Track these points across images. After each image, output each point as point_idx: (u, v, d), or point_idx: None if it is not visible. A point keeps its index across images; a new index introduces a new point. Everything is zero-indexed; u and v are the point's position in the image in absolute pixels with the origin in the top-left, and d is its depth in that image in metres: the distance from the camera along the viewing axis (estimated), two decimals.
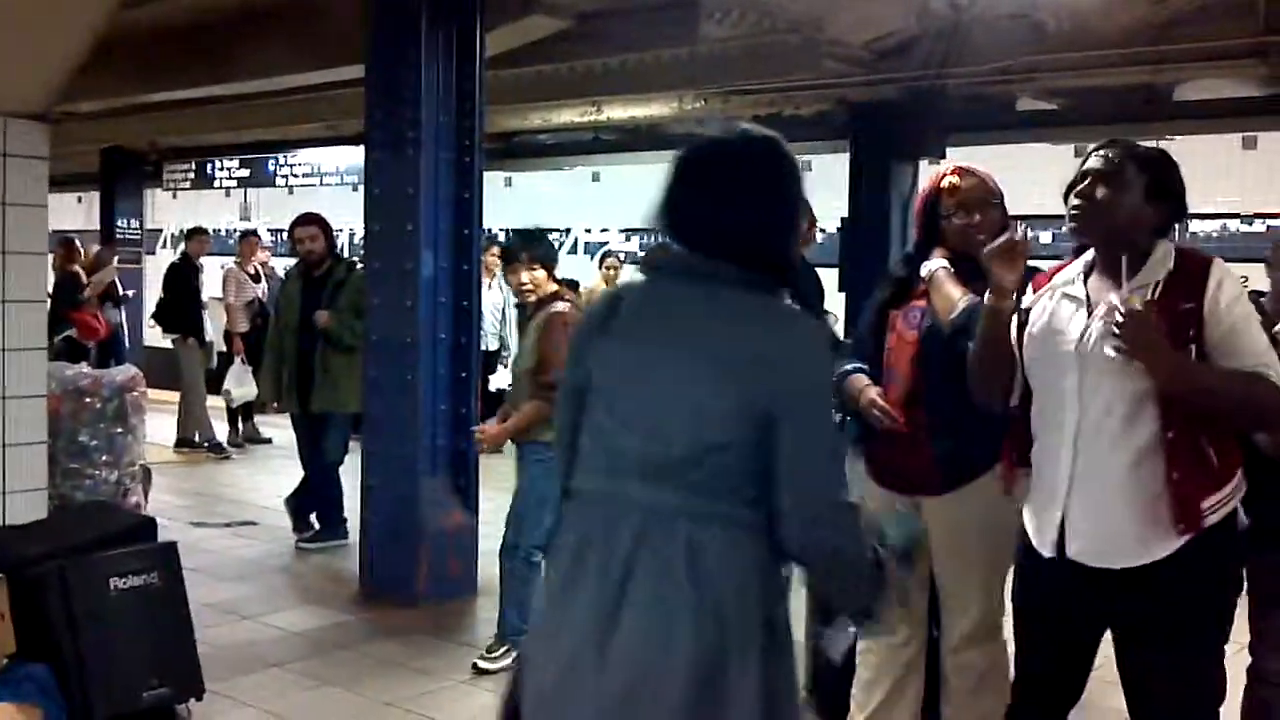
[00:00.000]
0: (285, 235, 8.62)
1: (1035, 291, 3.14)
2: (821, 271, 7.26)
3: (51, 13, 4.64)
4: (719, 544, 2.20)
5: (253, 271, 11.61)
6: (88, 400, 6.76)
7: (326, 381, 7.51)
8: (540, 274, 5.26)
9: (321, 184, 14.53)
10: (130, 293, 13.68)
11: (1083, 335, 2.95)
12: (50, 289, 9.40)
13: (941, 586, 3.76)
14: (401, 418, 6.47)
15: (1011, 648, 3.34)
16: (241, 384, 10.84)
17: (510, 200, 13.18)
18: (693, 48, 8.16)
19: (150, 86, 9.62)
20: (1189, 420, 2.86)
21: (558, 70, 8.97)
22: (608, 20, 7.91)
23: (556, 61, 8.69)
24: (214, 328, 11.63)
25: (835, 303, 8.02)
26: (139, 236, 16.28)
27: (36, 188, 4.92)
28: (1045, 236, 9.61)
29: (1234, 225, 10.63)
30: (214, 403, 11.26)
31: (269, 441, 11.49)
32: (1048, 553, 2.98)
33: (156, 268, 14.85)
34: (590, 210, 14.24)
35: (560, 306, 5.20)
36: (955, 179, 3.74)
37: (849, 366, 3.82)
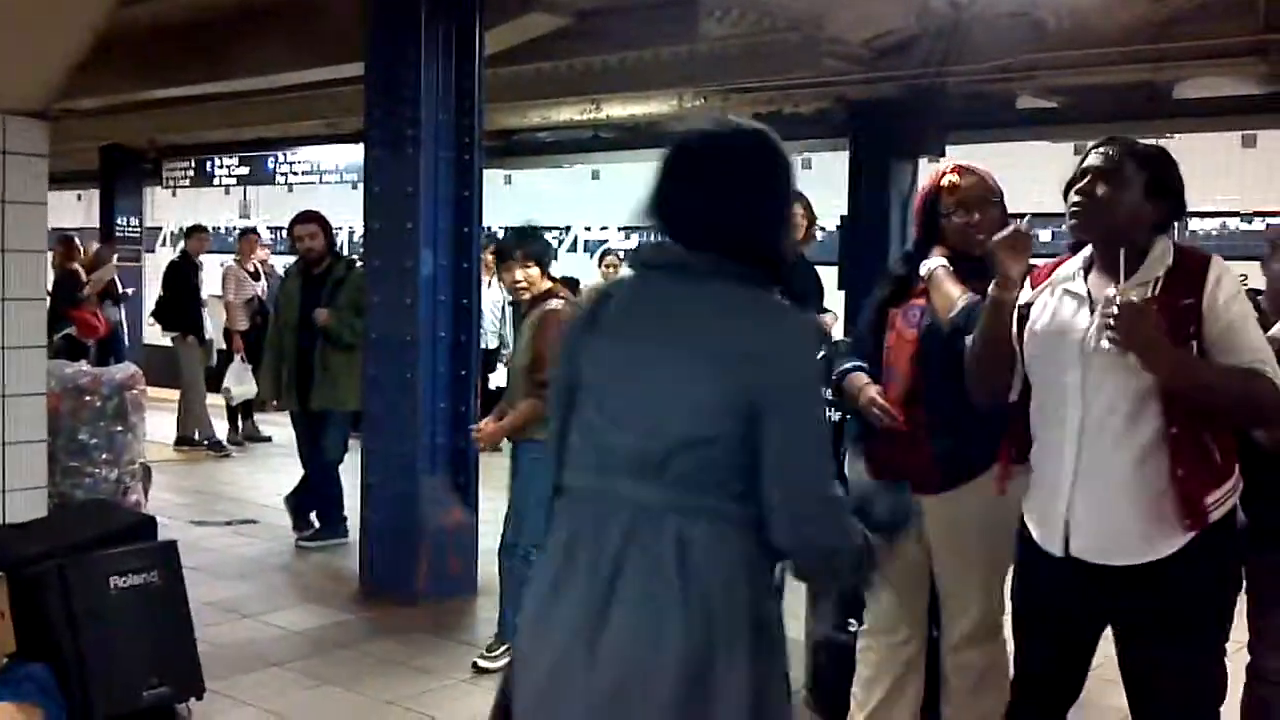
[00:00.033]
0: (285, 233, 8.62)
1: (1034, 287, 3.14)
2: (821, 270, 7.30)
3: (51, 11, 4.63)
4: (707, 539, 2.19)
5: (252, 269, 11.62)
6: (87, 398, 6.76)
7: (326, 379, 7.51)
8: (534, 271, 5.24)
9: (321, 182, 14.53)
10: (130, 290, 13.70)
11: (1085, 332, 2.94)
12: (50, 287, 9.40)
13: (941, 585, 3.76)
14: (401, 416, 6.47)
15: (1011, 646, 3.35)
16: (241, 382, 10.84)
17: (510, 198, 13.17)
18: (692, 45, 8.15)
19: (150, 84, 9.63)
20: (1192, 416, 2.86)
21: (557, 68, 8.96)
22: (607, 18, 7.91)
23: (556, 59, 8.69)
24: (214, 325, 11.64)
25: (835, 301, 8.02)
26: (138, 234, 16.28)
27: (36, 185, 4.92)
28: (1044, 235, 9.61)
29: (1233, 223, 10.63)
30: (214, 401, 11.27)
31: (269, 440, 11.49)
32: (1057, 550, 2.98)
33: (156, 266, 14.84)
34: (590, 208, 14.23)
35: (555, 304, 5.19)
36: (955, 177, 3.74)
37: (848, 365, 3.82)
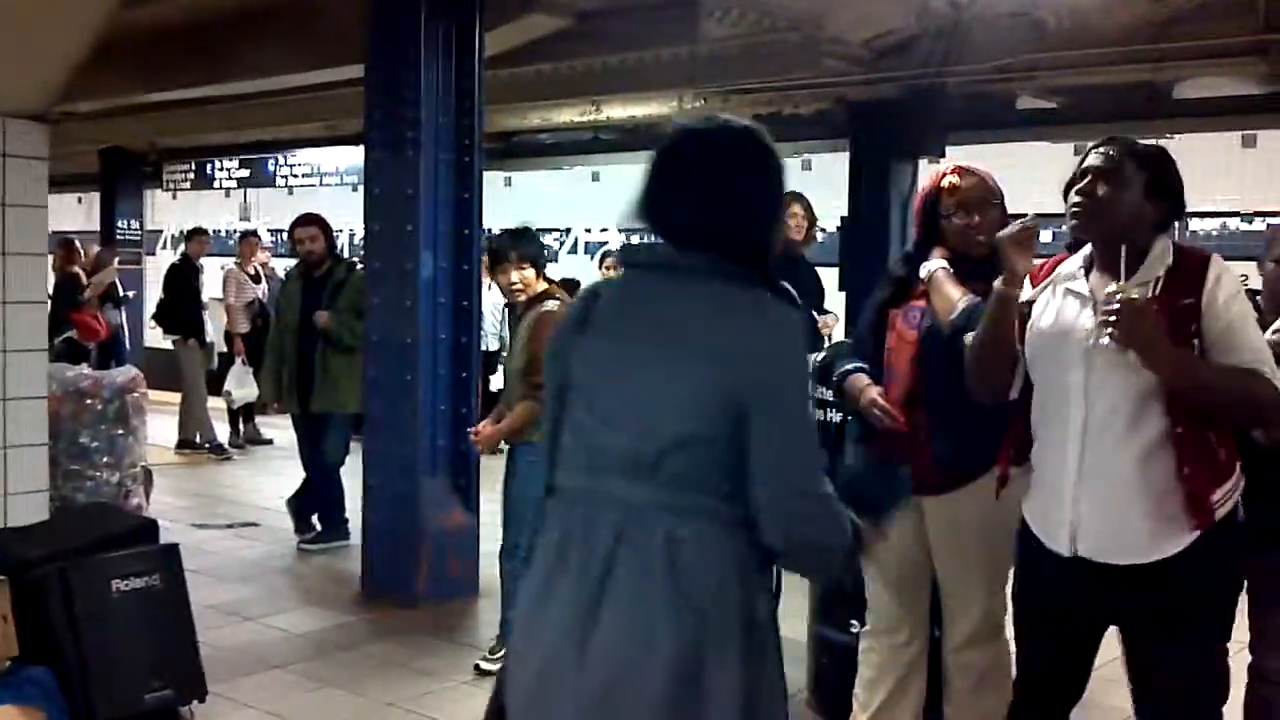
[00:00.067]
0: (285, 236, 8.62)
1: (1034, 285, 3.14)
2: (821, 271, 7.31)
3: (51, 13, 4.63)
4: (698, 539, 2.19)
5: (253, 272, 11.62)
6: (88, 402, 6.77)
7: (327, 382, 7.51)
8: (529, 273, 5.22)
9: (321, 184, 14.52)
10: (130, 294, 13.69)
11: (1089, 332, 2.94)
12: (50, 290, 9.40)
13: (943, 586, 3.76)
14: (402, 418, 6.47)
15: (1013, 646, 3.35)
16: (242, 385, 10.85)
17: (510, 200, 13.17)
18: (692, 46, 8.15)
19: (150, 86, 9.62)
20: (1195, 415, 2.87)
21: (557, 69, 8.96)
22: (607, 19, 7.90)
23: (556, 61, 8.68)
24: (214, 328, 11.64)
25: (835, 302, 8.02)
26: (139, 237, 16.29)
27: (36, 188, 4.93)
28: (1044, 235, 9.61)
29: (1234, 224, 10.62)
30: (215, 404, 11.28)
31: (270, 442, 11.50)
32: (1064, 551, 2.98)
33: (157, 268, 14.85)
34: (590, 210, 14.22)
35: (550, 305, 5.16)
36: (955, 178, 3.74)
37: (849, 366, 3.82)
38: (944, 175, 3.78)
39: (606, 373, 2.31)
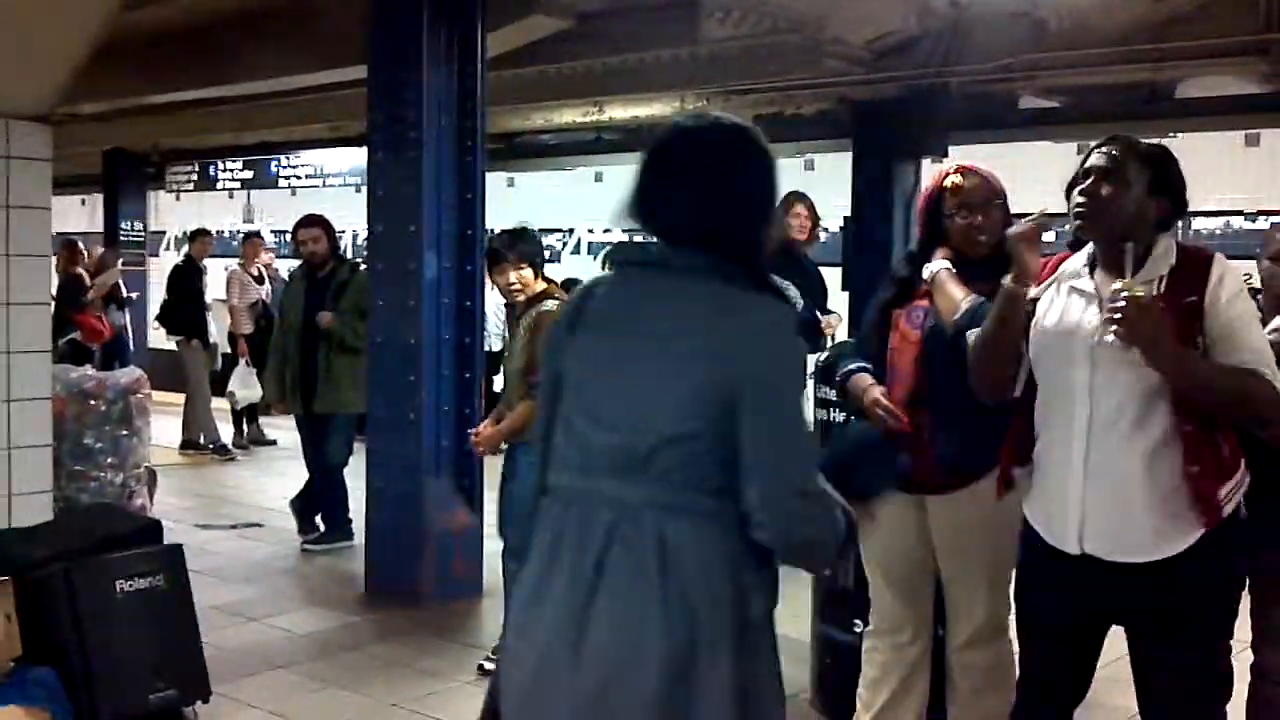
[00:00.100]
0: (288, 237, 8.63)
1: (1039, 284, 3.14)
2: (825, 270, 7.32)
3: (53, 15, 4.64)
4: (689, 537, 2.19)
5: (256, 273, 11.63)
6: (92, 403, 6.78)
7: (330, 383, 7.52)
8: (528, 273, 5.22)
9: (324, 185, 14.54)
10: (134, 295, 13.70)
11: (1095, 330, 2.95)
12: (54, 291, 9.41)
13: (946, 586, 3.76)
14: (405, 418, 6.48)
15: (1016, 647, 3.35)
16: (246, 386, 10.85)
17: (513, 200, 13.19)
18: (694, 47, 8.16)
19: (153, 88, 9.64)
20: (1200, 413, 2.88)
21: (559, 70, 8.97)
22: (609, 20, 7.91)
23: (558, 62, 8.69)
24: (218, 329, 11.66)
25: (839, 301, 8.03)
26: (143, 238, 16.30)
27: (40, 190, 4.93)
28: (1047, 235, 9.61)
29: (1237, 222, 10.63)
30: (219, 404, 11.29)
31: (273, 443, 11.51)
32: (1072, 549, 2.98)
33: (160, 270, 14.87)
34: (593, 210, 14.23)
35: (549, 305, 5.14)
36: (958, 178, 3.73)
37: (852, 366, 3.82)
38: (947, 175, 3.78)
39: (599, 371, 2.31)
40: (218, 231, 14.75)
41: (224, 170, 15.58)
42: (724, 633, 2.18)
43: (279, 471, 10.04)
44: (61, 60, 4.78)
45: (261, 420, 11.67)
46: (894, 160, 9.80)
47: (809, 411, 4.58)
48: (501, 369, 8.99)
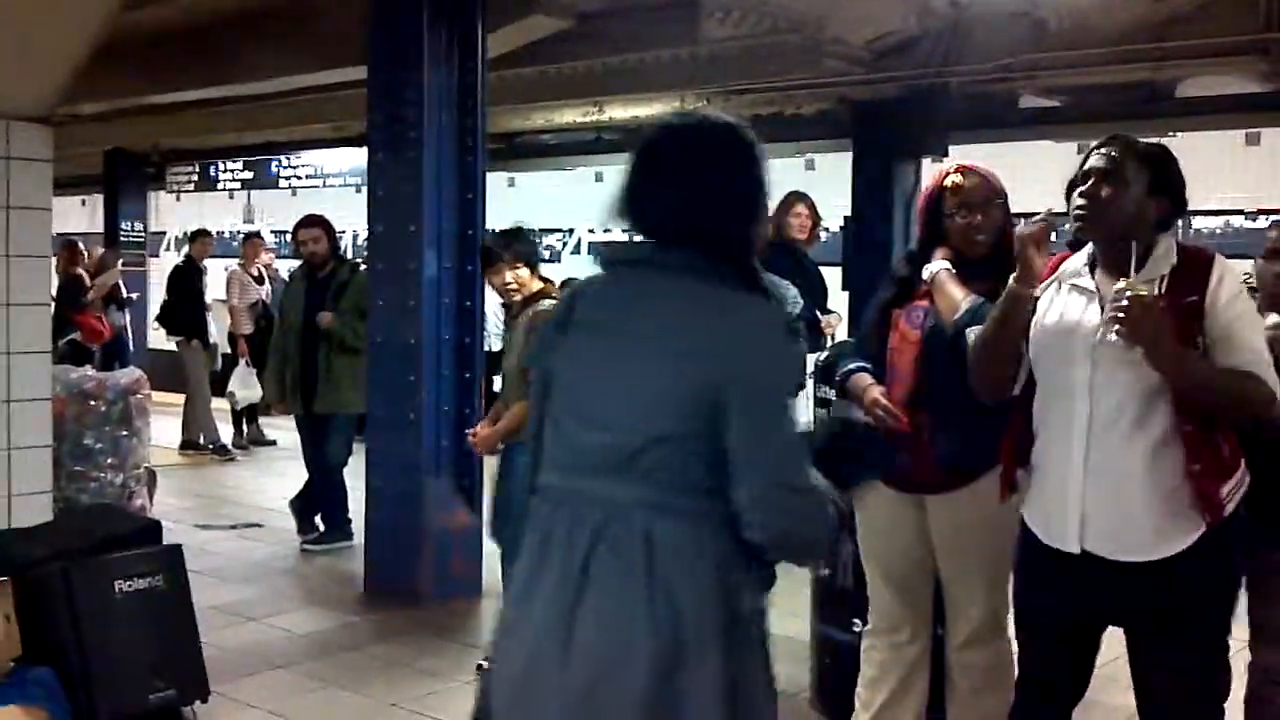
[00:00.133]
0: (289, 237, 8.63)
1: (1039, 284, 3.15)
2: (825, 270, 7.32)
3: (54, 15, 4.64)
4: (677, 537, 2.19)
5: (256, 273, 11.63)
6: (92, 403, 6.79)
7: (330, 383, 7.51)
8: (524, 272, 5.21)
9: (325, 185, 14.54)
10: (134, 295, 13.71)
11: (1095, 328, 2.96)
12: (54, 292, 9.41)
13: (945, 585, 3.76)
14: (405, 418, 6.48)
15: (1014, 645, 3.35)
16: (246, 386, 10.85)
17: (513, 200, 13.18)
18: (694, 47, 8.16)
19: (153, 88, 9.64)
20: (1199, 412, 2.90)
21: (559, 70, 8.97)
22: (609, 20, 7.91)
23: (558, 62, 8.69)
24: (218, 330, 11.65)
25: (839, 301, 8.03)
26: (143, 239, 16.30)
27: (40, 190, 4.93)
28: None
29: (1237, 221, 10.62)
30: (218, 405, 11.29)
31: (273, 443, 11.51)
32: (1073, 548, 2.99)
33: (160, 270, 14.87)
34: (593, 210, 14.23)
35: (546, 304, 5.14)
36: (958, 177, 3.73)
37: (852, 365, 3.82)
38: (947, 174, 3.78)
39: (588, 371, 2.32)
40: (218, 232, 14.76)
41: (224, 171, 15.58)
42: (712, 631, 2.18)
43: (279, 472, 10.04)
44: (62, 61, 4.78)
45: (261, 420, 11.67)
46: (894, 160, 9.80)
47: (809, 411, 4.59)
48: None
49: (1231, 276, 2.96)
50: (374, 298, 6.68)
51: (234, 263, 11.97)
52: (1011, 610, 3.39)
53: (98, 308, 11.92)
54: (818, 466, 2.29)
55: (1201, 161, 8.89)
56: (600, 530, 2.21)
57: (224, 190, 16.11)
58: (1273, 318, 3.41)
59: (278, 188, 15.43)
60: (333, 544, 7.59)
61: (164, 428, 9.77)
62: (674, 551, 2.18)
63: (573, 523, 2.25)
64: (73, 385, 6.72)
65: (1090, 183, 2.99)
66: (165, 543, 4.71)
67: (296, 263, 8.30)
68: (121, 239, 15.62)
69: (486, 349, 7.84)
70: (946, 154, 9.37)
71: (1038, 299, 3.12)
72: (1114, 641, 3.12)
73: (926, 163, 9.67)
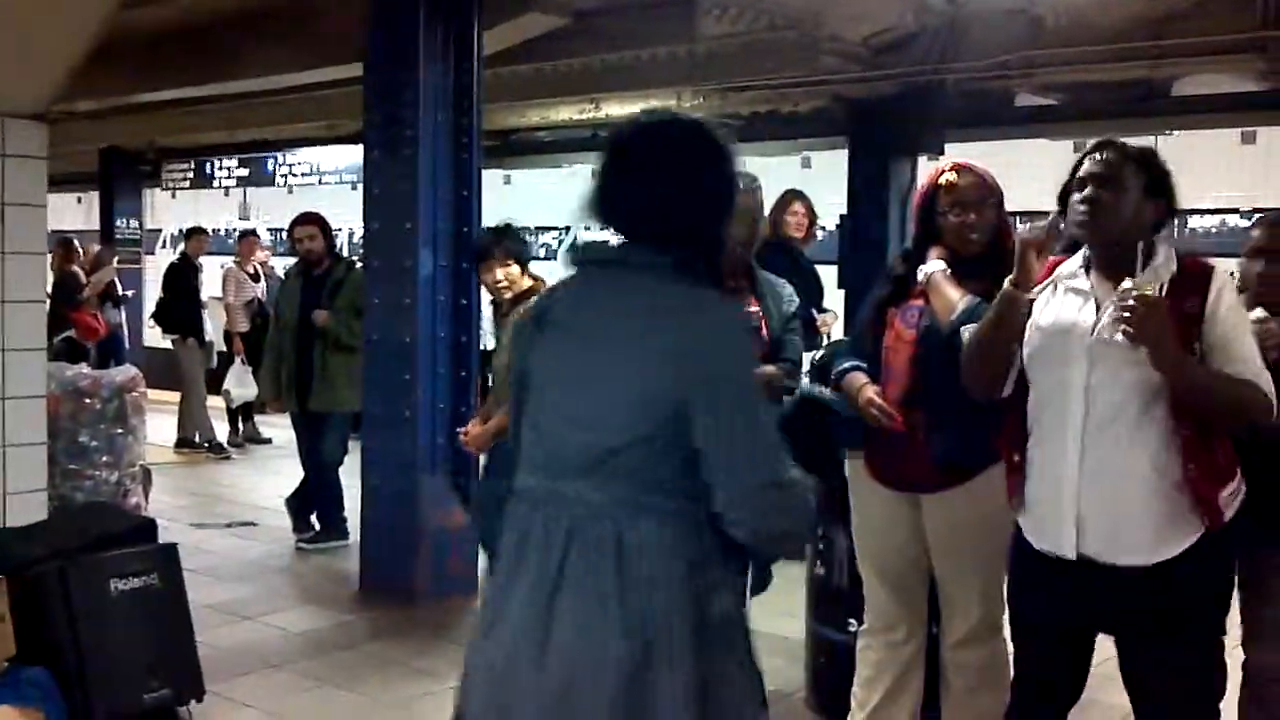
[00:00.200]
0: (284, 235, 8.62)
1: (1035, 286, 3.15)
2: (821, 268, 7.32)
3: (50, 13, 4.63)
4: (648, 538, 2.19)
5: (252, 271, 11.62)
6: (87, 401, 6.77)
7: (325, 381, 7.51)
8: (515, 270, 5.20)
9: (320, 183, 14.52)
10: (130, 293, 13.69)
11: (1092, 330, 2.97)
12: (49, 289, 9.39)
13: (941, 585, 3.76)
14: (401, 416, 6.47)
15: (1010, 646, 3.35)
16: (241, 384, 10.84)
17: (509, 198, 13.17)
18: (690, 44, 8.15)
19: (149, 86, 9.62)
20: (1196, 417, 2.91)
21: (556, 68, 8.96)
22: (605, 17, 7.90)
23: (554, 59, 8.68)
24: (213, 327, 11.64)
25: (835, 299, 8.02)
26: (138, 236, 16.28)
27: (35, 188, 4.93)
28: None
29: (1233, 220, 10.62)
30: (214, 403, 11.27)
31: (269, 441, 11.50)
32: (1069, 553, 2.99)
33: (156, 268, 14.84)
34: None
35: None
36: (953, 176, 3.73)
37: (847, 364, 3.82)
38: (942, 172, 3.78)
39: (562, 372, 2.33)
40: (214, 229, 14.73)
41: (220, 168, 15.56)
42: (683, 633, 2.18)
43: (274, 470, 10.03)
44: (60, 59, 4.78)
45: (257, 418, 11.66)
46: (890, 158, 9.78)
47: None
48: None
49: (1230, 288, 3.01)
50: (370, 296, 6.67)
51: (230, 260, 11.96)
52: (1007, 610, 3.39)
53: (93, 305, 11.90)
54: (786, 445, 2.29)
55: (1197, 160, 8.90)
56: (573, 532, 2.22)
57: (220, 188, 16.09)
58: (1257, 313, 3.43)
59: (274, 185, 15.41)
60: (328, 542, 7.59)
61: (159, 426, 9.76)
62: (646, 553, 2.19)
63: (548, 525, 2.26)
64: (68, 383, 6.71)
65: (1090, 188, 3.01)
66: (160, 541, 4.70)
67: (292, 260, 8.29)
68: (117, 236, 15.60)
69: (482, 347, 7.84)
70: (942, 152, 9.35)
71: (1033, 300, 3.12)
72: (1110, 640, 3.12)
73: (923, 160, 9.66)
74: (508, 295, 5.23)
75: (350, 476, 7.27)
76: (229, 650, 5.49)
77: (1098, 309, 2.99)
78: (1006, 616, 3.42)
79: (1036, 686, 3.22)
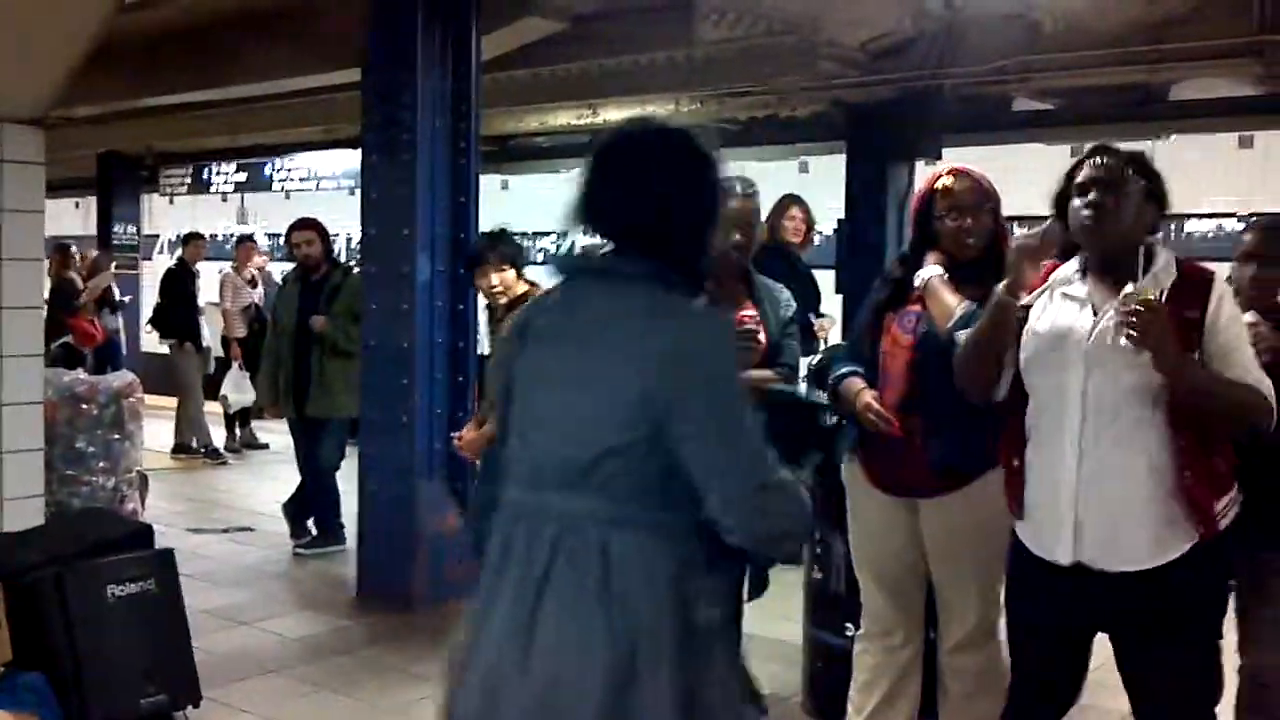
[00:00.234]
0: (282, 240, 8.62)
1: (1030, 291, 3.16)
2: (818, 273, 7.32)
3: (48, 18, 4.63)
4: (631, 549, 2.19)
5: (249, 277, 11.61)
6: (84, 406, 6.75)
7: (323, 386, 7.50)
8: (510, 274, 5.20)
9: (318, 188, 14.51)
10: (127, 298, 13.67)
11: (1090, 335, 2.98)
12: (46, 295, 9.38)
13: (938, 589, 3.76)
14: (398, 422, 6.46)
15: (1006, 650, 3.35)
16: (239, 389, 10.84)
17: (507, 203, 13.17)
18: (689, 49, 8.15)
19: (146, 91, 9.62)
20: (1195, 424, 2.92)
21: (553, 73, 8.96)
22: (603, 22, 7.90)
23: (552, 64, 8.68)
24: (211, 333, 11.63)
25: (832, 304, 8.02)
26: (136, 242, 16.26)
27: (33, 193, 4.93)
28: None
29: (1230, 225, 10.62)
30: (211, 408, 11.26)
31: (266, 447, 11.49)
32: (1065, 559, 2.99)
33: (153, 273, 14.83)
34: None
35: None
36: (949, 180, 3.74)
37: (844, 370, 3.81)
38: (939, 177, 3.79)
39: (545, 382, 2.33)
40: (211, 235, 14.73)
41: (218, 173, 15.54)
42: (667, 642, 2.18)
43: (271, 475, 10.02)
44: (58, 63, 4.78)
45: (254, 424, 11.65)
46: (888, 162, 9.78)
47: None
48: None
49: (1229, 297, 3.03)
50: (367, 301, 6.67)
51: (227, 266, 11.95)
52: (1004, 615, 3.38)
53: (90, 311, 11.88)
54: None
55: (1194, 165, 8.91)
56: (557, 543, 2.22)
57: (217, 193, 16.07)
58: (1248, 316, 3.43)
59: (271, 191, 15.40)
60: (325, 548, 7.58)
61: (156, 431, 9.75)
62: (630, 564, 2.18)
63: (530, 536, 2.26)
64: (65, 389, 6.69)
65: (1094, 193, 3.02)
66: (157, 547, 4.70)
67: (290, 266, 8.29)
68: (114, 242, 15.57)
69: (479, 352, 7.84)
70: (940, 156, 9.35)
71: (1029, 307, 3.13)
72: (1107, 644, 3.12)
73: (920, 165, 9.66)
74: (503, 300, 5.23)
75: (347, 481, 7.26)
76: (226, 655, 5.48)
77: (1095, 314, 3.00)
78: (1003, 621, 3.41)
79: (1035, 688, 3.22)
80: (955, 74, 8.53)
